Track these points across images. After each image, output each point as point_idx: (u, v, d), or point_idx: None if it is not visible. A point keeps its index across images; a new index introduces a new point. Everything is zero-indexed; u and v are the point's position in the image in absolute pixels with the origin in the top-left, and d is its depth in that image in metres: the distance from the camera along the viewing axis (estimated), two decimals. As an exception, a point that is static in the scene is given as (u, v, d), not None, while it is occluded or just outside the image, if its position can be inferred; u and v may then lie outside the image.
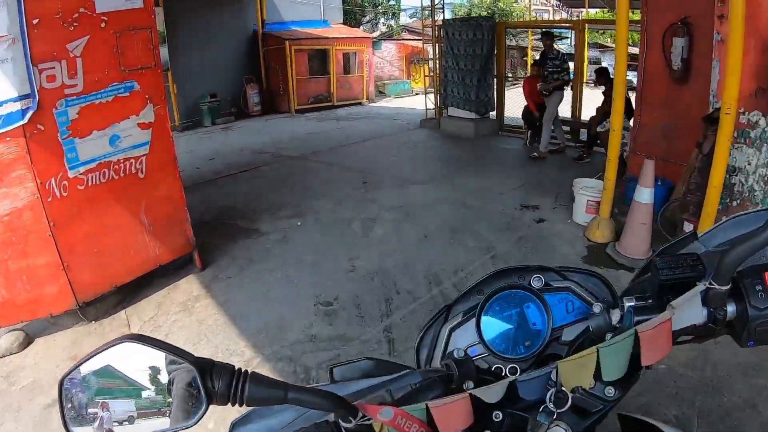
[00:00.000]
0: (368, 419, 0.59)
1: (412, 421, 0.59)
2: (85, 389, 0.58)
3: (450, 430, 0.62)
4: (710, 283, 0.60)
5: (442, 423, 0.61)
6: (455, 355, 0.70)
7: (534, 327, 0.80)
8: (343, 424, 0.60)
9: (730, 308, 0.61)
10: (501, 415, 0.69)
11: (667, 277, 0.65)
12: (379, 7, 26.71)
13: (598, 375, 0.61)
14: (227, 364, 0.57)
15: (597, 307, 0.70)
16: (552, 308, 0.79)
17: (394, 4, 27.86)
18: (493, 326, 0.80)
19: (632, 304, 0.66)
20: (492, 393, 0.62)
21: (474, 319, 0.81)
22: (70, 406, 0.58)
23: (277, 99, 15.16)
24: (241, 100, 14.59)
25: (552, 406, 0.66)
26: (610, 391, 0.68)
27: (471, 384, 0.69)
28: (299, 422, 0.61)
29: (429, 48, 14.00)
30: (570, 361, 0.61)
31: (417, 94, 18.18)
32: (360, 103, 16.58)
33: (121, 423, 0.58)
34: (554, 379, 0.64)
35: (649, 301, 0.67)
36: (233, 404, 0.56)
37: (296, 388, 0.58)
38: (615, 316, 0.68)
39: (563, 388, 0.65)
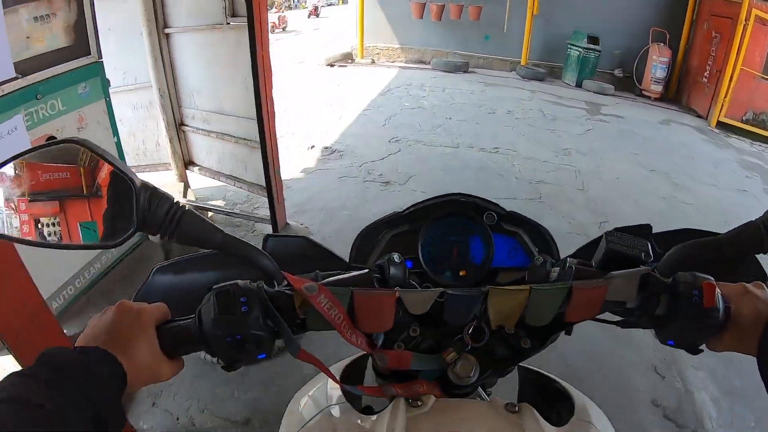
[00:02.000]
0: (290, 288, 0.60)
1: (334, 303, 0.59)
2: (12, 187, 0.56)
3: (367, 327, 0.63)
4: (653, 270, 0.63)
5: (362, 316, 0.62)
6: (395, 259, 0.68)
7: (473, 260, 0.80)
8: (265, 288, 0.60)
9: (663, 302, 0.62)
10: (418, 330, 0.71)
11: (616, 248, 0.67)
12: None
13: (521, 323, 0.65)
14: (168, 194, 0.57)
15: (539, 259, 0.72)
16: (496, 248, 0.80)
17: None
18: (434, 246, 0.80)
19: (575, 264, 0.68)
20: (419, 301, 0.64)
21: (418, 234, 0.81)
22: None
23: (694, 88, 9.08)
24: (635, 66, 9.17)
25: (468, 338, 0.68)
26: (527, 343, 0.70)
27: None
28: (221, 281, 0.60)
29: None
30: (502, 291, 0.63)
31: None
32: None
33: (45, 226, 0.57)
34: (480, 314, 0.67)
35: (592, 267, 0.68)
36: (163, 237, 0.56)
37: (230, 236, 0.60)
38: (554, 273, 0.69)
39: (483, 325, 0.68)
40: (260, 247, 0.64)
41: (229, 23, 2.97)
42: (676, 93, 9.51)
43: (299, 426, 0.74)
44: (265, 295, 0.59)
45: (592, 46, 8.66)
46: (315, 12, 23.33)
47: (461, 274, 0.79)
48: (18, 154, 0.56)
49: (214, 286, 0.58)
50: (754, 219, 0.57)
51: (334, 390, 0.79)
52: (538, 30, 8.94)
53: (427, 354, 0.71)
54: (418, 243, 0.79)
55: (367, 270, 0.68)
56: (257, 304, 0.57)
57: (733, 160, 5.83)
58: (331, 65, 9.06)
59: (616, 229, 0.72)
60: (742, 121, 8.28)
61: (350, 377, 0.87)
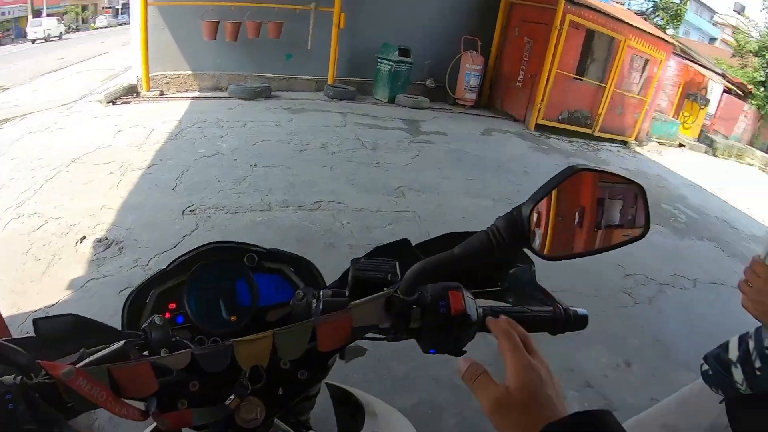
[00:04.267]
0: (50, 377, 0.58)
1: (93, 383, 0.58)
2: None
3: (134, 394, 0.63)
4: (395, 292, 0.66)
5: (126, 386, 0.62)
6: (156, 321, 0.69)
7: (241, 303, 0.81)
8: (26, 381, 0.57)
9: (415, 316, 0.66)
10: (197, 384, 0.69)
11: (359, 275, 0.72)
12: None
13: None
14: None
15: (300, 294, 0.76)
16: (262, 288, 0.82)
17: (677, 1, 20.28)
18: (200, 297, 0.80)
19: (329, 295, 0.72)
20: (174, 363, 0.65)
21: (184, 287, 0.81)
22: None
23: (508, 93, 9.50)
24: (448, 75, 9.20)
25: (246, 381, 0.68)
26: (303, 374, 0.72)
27: (166, 351, 0.69)
28: None
29: (713, 82, 11.35)
30: (245, 342, 0.65)
31: (683, 145, 12.64)
32: (625, 144, 10.12)
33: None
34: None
35: (345, 296, 0.72)
36: None
37: None
38: (314, 304, 0.73)
39: (259, 367, 0.70)
40: (34, 331, 0.66)
41: None
42: (490, 99, 9.77)
43: None
44: (28, 387, 0.57)
45: (403, 58, 8.40)
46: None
47: (233, 319, 0.80)
48: None
49: None
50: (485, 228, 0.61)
51: None
52: (345, 45, 8.43)
53: (211, 406, 0.70)
54: (185, 297, 0.80)
55: (123, 342, 0.67)
56: (22, 399, 0.56)
57: (562, 165, 5.85)
58: (113, 102, 7.40)
59: (376, 248, 0.80)
60: (558, 121, 8.90)
61: None
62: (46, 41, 27.50)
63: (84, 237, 3.63)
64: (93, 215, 3.94)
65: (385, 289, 0.68)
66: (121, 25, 40.68)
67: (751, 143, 19.25)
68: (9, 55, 20.94)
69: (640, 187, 0.68)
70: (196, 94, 8.15)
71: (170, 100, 7.74)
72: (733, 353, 1.17)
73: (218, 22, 7.66)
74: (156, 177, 4.74)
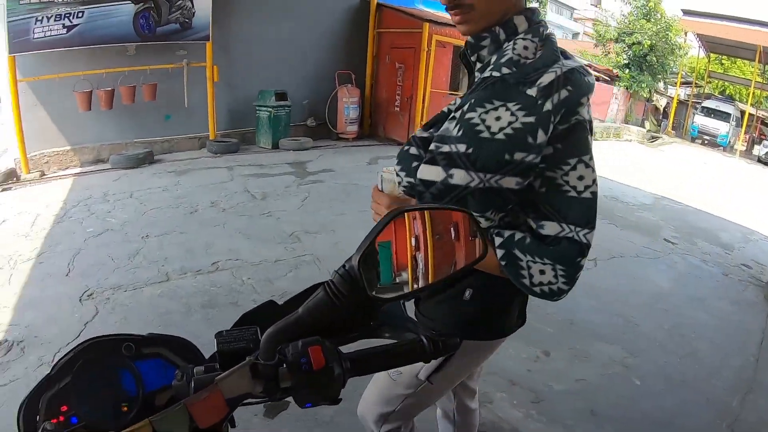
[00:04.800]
0: None
1: None
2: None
3: None
4: (256, 358, 0.69)
5: None
6: (47, 428, 0.72)
7: (129, 393, 0.82)
8: None
9: (284, 377, 0.68)
10: None
11: (222, 349, 0.76)
12: None
13: None
14: None
15: (179, 374, 0.75)
16: (144, 374, 0.83)
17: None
18: (89, 393, 0.81)
19: (201, 372, 0.73)
20: None
21: (71, 388, 0.82)
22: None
23: (388, 119, 9.91)
24: (327, 112, 9.51)
25: None
26: None
27: None
28: None
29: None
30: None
31: None
32: None
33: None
34: None
35: (216, 369, 0.74)
36: None
37: None
38: (195, 381, 0.72)
39: None
40: None
41: None
42: (371, 128, 10.22)
43: None
44: None
45: (281, 102, 8.59)
46: None
47: (124, 410, 0.80)
48: None
49: None
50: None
51: None
52: (222, 98, 8.54)
53: None
54: (72, 398, 0.80)
55: None
56: None
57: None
58: None
59: (242, 316, 0.85)
60: (431, 139, 9.46)
61: None
62: None
63: (-19, 343, 3.64)
64: (-11, 317, 3.91)
65: (247, 357, 0.70)
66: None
67: (625, 121, 21.65)
68: None
69: (468, 213, 0.75)
70: (78, 169, 7.94)
71: (52, 180, 7.52)
72: None
73: (91, 91, 7.56)
74: (48, 265, 4.69)
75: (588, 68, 1.06)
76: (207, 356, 0.86)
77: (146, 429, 0.65)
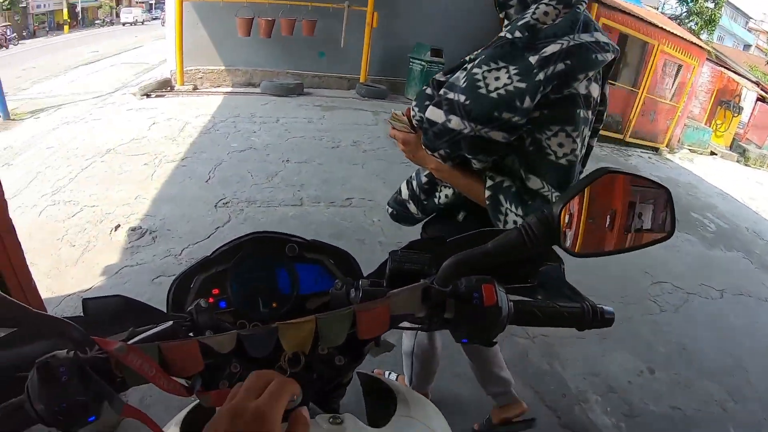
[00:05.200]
0: (103, 351, 0.61)
1: (144, 359, 0.61)
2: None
3: (179, 372, 0.66)
4: (432, 283, 0.69)
5: (173, 364, 0.64)
6: (201, 304, 0.73)
7: (282, 291, 0.84)
8: (81, 355, 0.59)
9: (450, 307, 0.69)
10: (239, 366, 0.74)
11: (397, 267, 0.76)
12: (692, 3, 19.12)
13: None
14: None
15: (339, 284, 0.77)
16: (301, 277, 0.85)
17: (712, 6, 19.53)
18: (242, 284, 0.83)
19: (367, 285, 0.74)
20: (220, 343, 0.67)
21: (227, 274, 0.84)
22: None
23: None
24: None
25: (286, 364, 0.71)
26: (340, 360, 0.76)
27: (211, 333, 0.72)
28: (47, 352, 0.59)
29: (747, 89, 11.14)
30: (289, 325, 0.67)
31: (714, 153, 12.45)
32: (656, 150, 9.95)
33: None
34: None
35: (383, 285, 0.75)
36: None
37: (33, 312, 0.61)
38: (353, 293, 0.75)
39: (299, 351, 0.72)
40: (82, 311, 0.68)
41: None
42: None
43: None
44: (81, 361, 0.59)
45: (435, 58, 8.22)
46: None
47: (273, 306, 0.83)
48: None
49: (36, 361, 0.57)
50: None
51: None
52: (378, 44, 8.38)
53: None
54: (228, 284, 0.83)
55: (171, 322, 0.70)
56: (75, 372, 0.58)
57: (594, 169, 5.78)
58: (147, 95, 7.44)
59: (412, 242, 0.82)
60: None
61: (196, 423, 0.82)
62: (133, 24, 37.58)
63: (119, 225, 3.65)
64: (127, 204, 3.96)
65: (421, 280, 0.71)
66: (155, 20, 41.65)
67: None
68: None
69: (668, 191, 0.71)
70: (229, 89, 8.18)
71: (203, 95, 7.79)
72: (405, 194, 1.50)
73: (252, 18, 7.68)
74: (190, 169, 4.76)
75: (606, 45, 1.08)
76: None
77: (310, 324, 0.67)
